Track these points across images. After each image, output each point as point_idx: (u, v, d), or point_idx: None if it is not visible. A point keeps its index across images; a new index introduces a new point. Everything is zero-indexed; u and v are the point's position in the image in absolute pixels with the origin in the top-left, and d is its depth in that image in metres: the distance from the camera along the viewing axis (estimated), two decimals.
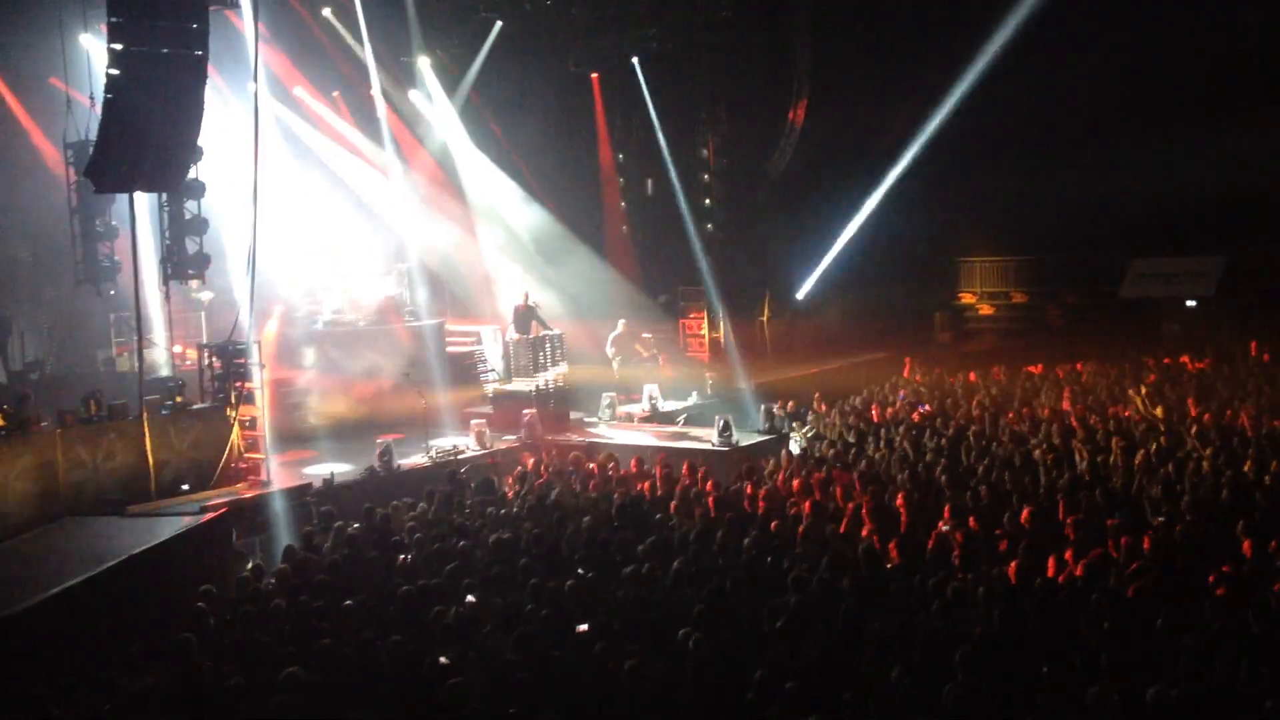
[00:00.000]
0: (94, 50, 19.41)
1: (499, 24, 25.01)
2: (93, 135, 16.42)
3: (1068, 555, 10.47)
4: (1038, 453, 14.67)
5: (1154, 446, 14.20)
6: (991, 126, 26.61)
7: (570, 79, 27.10)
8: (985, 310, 31.13)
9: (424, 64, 25.13)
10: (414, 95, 25.62)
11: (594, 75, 27.31)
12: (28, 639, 10.11)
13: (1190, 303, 27.65)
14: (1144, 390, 17.89)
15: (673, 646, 8.80)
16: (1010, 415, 17.41)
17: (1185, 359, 21.72)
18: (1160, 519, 11.51)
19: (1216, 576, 9.38)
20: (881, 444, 16.13)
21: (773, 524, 12.25)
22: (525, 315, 21.95)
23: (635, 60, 26.83)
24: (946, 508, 12.37)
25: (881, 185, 28.14)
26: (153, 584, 11.84)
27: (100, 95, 15.67)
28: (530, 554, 11.62)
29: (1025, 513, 11.73)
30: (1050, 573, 10.22)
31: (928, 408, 18.75)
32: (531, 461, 17.04)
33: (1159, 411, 16.73)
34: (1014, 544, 10.88)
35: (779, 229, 28.58)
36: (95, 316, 21.93)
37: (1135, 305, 28.35)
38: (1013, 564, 10.22)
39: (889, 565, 10.84)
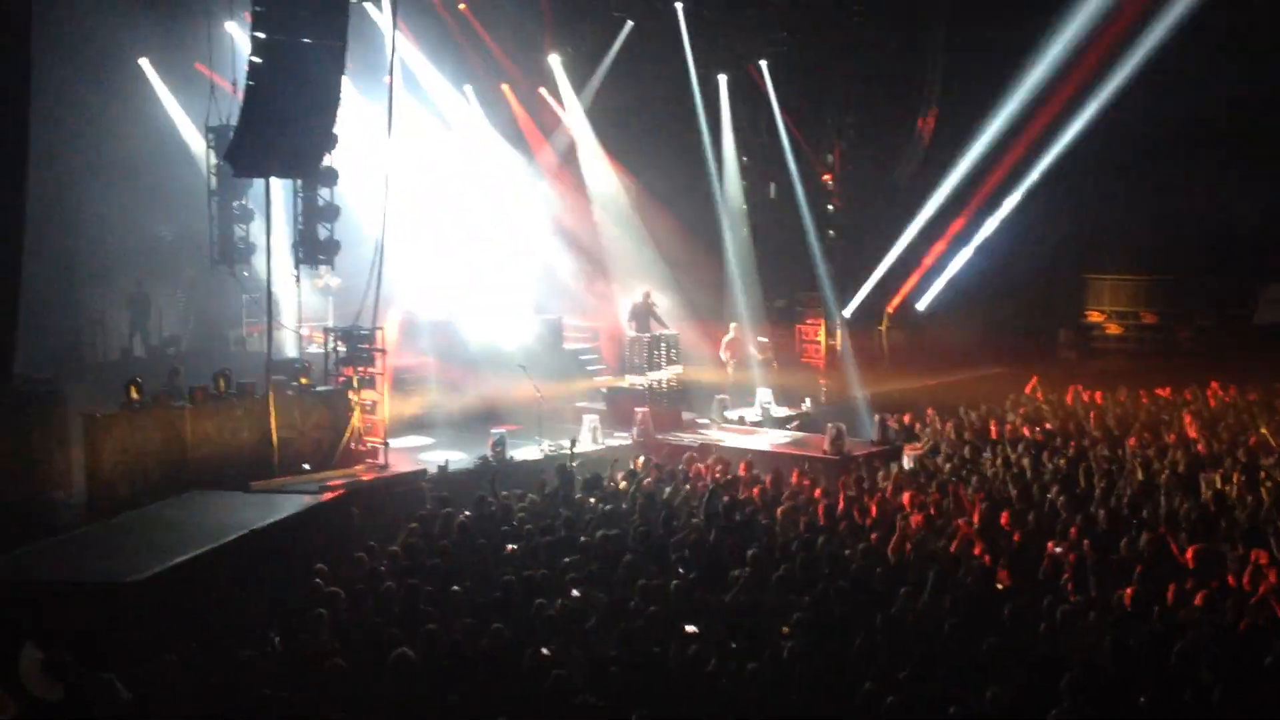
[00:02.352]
0: (238, 38, 20.03)
1: (630, 23, 25.15)
2: (234, 120, 16.90)
3: (1187, 585, 10.18)
4: (1161, 478, 14.29)
5: None
6: (1125, 143, 25.97)
7: (698, 80, 27.11)
8: (1113, 329, 30.36)
9: (554, 61, 25.37)
10: (543, 92, 25.88)
11: (721, 77, 27.29)
12: (149, 606, 10.47)
13: None
14: (1275, 420, 17.30)
15: (773, 652, 8.80)
16: (1133, 439, 16.97)
17: None
18: None
19: None
20: (998, 461, 15.87)
21: (883, 535, 12.15)
22: (643, 313, 22.03)
23: (764, 63, 26.77)
24: (1066, 529, 12.12)
25: (1010, 198, 27.66)
26: (272, 559, 12.16)
27: (242, 81, 16.13)
28: (636, 551, 11.70)
29: (1144, 539, 11.44)
30: (1168, 602, 9.95)
31: (1049, 426, 18.38)
32: (641, 460, 17.10)
33: None
34: (1130, 571, 10.62)
35: (902, 238, 28.28)
36: (228, 296, 22.61)
37: (1269, 331, 27.42)
38: (1129, 591, 9.98)
39: (999, 585, 10.67)
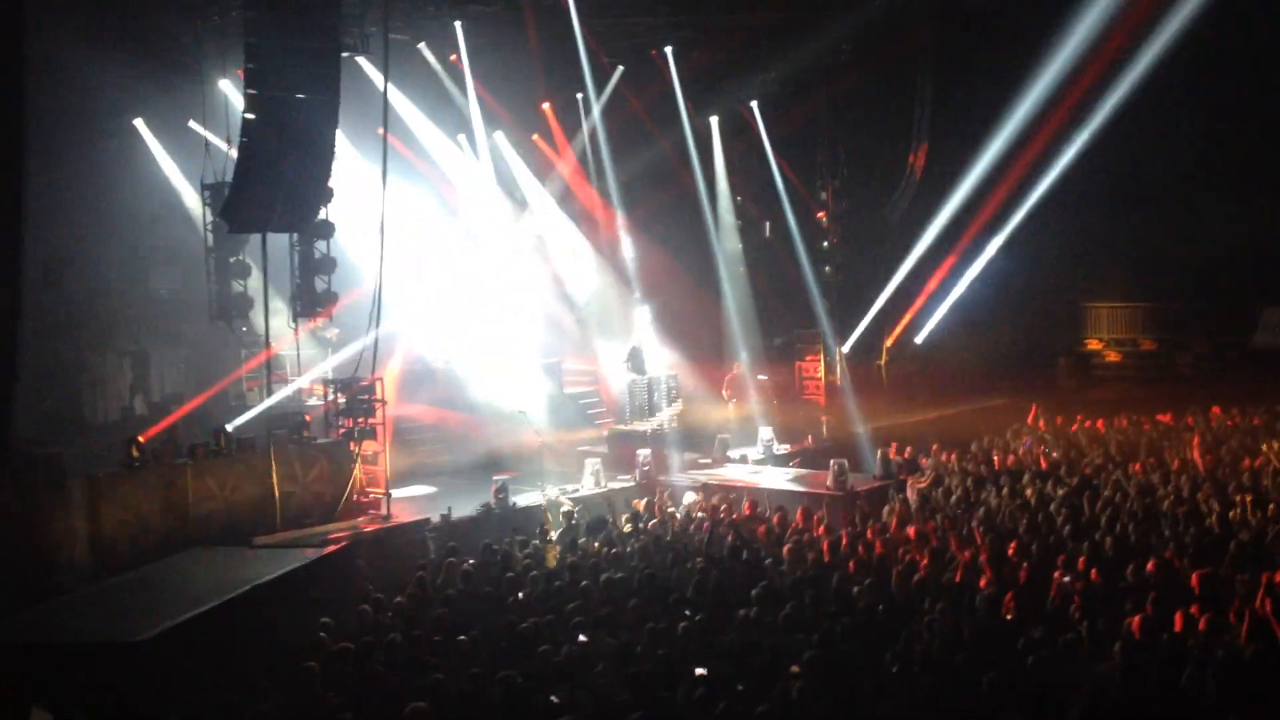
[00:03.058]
0: (232, 95, 20.17)
1: (621, 68, 25.35)
2: (229, 177, 17.00)
3: (1194, 611, 10.13)
4: (1165, 504, 14.25)
5: None
6: (1119, 171, 26.10)
7: (690, 122, 27.31)
8: (1112, 357, 30.39)
9: (546, 108, 25.53)
10: (537, 139, 26.04)
11: (713, 118, 27.47)
12: (157, 664, 10.42)
13: None
14: (1276, 443, 17.26)
15: (782, 692, 8.74)
16: (1137, 466, 16.94)
17: None
18: None
19: None
20: (1003, 492, 15.82)
21: (889, 570, 12.10)
22: (638, 356, 22.07)
23: (754, 103, 26.96)
24: (1073, 558, 12.07)
25: (1005, 228, 27.75)
26: (276, 613, 12.13)
27: (236, 138, 16.23)
28: (642, 595, 11.65)
29: (1151, 565, 11.40)
30: (1176, 628, 9.89)
31: (1054, 454, 18.34)
32: (644, 501, 17.07)
33: None
34: (1138, 597, 10.57)
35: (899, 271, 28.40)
36: (227, 352, 22.62)
37: (1266, 355, 27.43)
38: (1136, 618, 9.93)
39: (1007, 615, 10.62)
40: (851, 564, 12.56)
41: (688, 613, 11.06)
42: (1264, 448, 16.78)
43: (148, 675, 10.24)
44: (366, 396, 17.48)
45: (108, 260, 22.21)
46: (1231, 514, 13.60)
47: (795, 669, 9.13)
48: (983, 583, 11.61)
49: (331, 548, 14.45)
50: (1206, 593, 10.51)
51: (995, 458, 18.52)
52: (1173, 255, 27.43)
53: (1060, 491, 15.47)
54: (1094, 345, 30.65)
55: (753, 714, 8.33)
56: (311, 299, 17.97)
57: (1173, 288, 28.93)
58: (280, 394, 19.51)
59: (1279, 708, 8.03)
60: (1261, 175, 25.33)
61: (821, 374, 26.18)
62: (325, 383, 19.02)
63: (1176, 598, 10.50)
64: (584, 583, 12.12)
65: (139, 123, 22.73)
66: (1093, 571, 11.44)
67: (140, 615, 11.37)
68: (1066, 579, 11.39)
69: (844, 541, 13.46)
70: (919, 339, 28.67)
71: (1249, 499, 13.89)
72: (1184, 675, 8.53)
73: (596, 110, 25.61)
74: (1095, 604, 10.60)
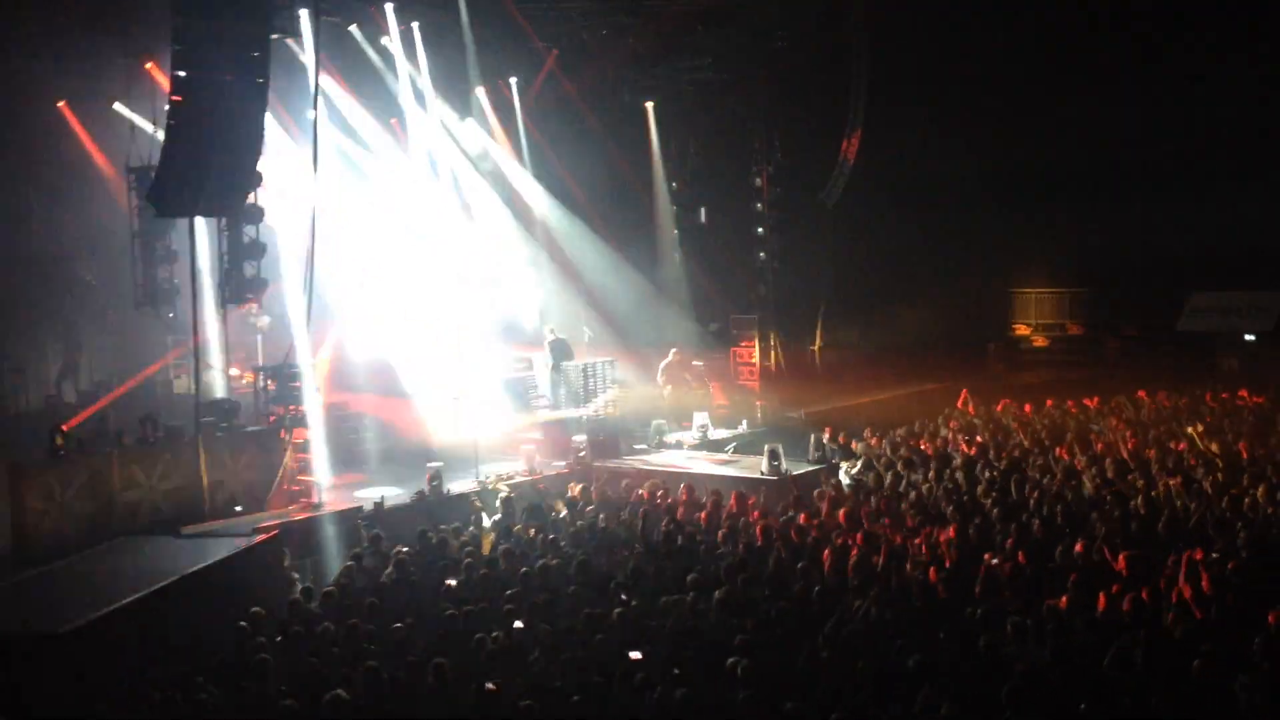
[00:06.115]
0: (158, 77, 19.80)
1: (555, 53, 25.22)
2: (155, 160, 16.70)
3: (1116, 590, 10.30)
4: (1091, 486, 14.48)
5: (1209, 481, 13.96)
6: (1049, 159, 26.44)
7: (625, 108, 27.26)
8: (1040, 342, 30.84)
9: (480, 93, 25.33)
10: (470, 124, 25.84)
11: (648, 104, 27.45)
12: (83, 656, 10.24)
13: (1249, 337, 27.29)
14: (1200, 426, 17.61)
15: (718, 675, 8.78)
16: (1063, 449, 17.19)
17: (1243, 392, 21.35)
18: (1214, 555, 11.30)
19: (1276, 616, 9.15)
20: (932, 475, 15.98)
21: (822, 554, 12.18)
22: (556, 346, 22.02)
23: (690, 88, 26.95)
24: (1002, 540, 12.22)
25: (936, 216, 28.04)
26: (205, 604, 11.95)
27: (163, 121, 15.95)
28: (578, 581, 11.65)
29: (1078, 547, 11.58)
30: (1102, 608, 10.05)
31: (980, 439, 18.56)
32: (580, 488, 17.04)
33: (1215, 446, 16.45)
34: (1065, 579, 10.74)
35: (832, 258, 28.58)
36: (154, 338, 22.25)
37: (1192, 339, 28.01)
38: (1064, 599, 10.09)
39: (938, 598, 10.74)
40: (782, 545, 12.63)
41: (624, 598, 11.09)
42: (1190, 431, 17.10)
43: (71, 668, 10.05)
44: (297, 383, 17.29)
45: (31, 246, 21.74)
46: (1154, 493, 13.85)
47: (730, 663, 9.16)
48: (913, 565, 11.74)
49: (262, 537, 14.23)
50: (1133, 574, 10.69)
51: (924, 442, 18.72)
52: (1100, 242, 27.83)
53: (989, 475, 15.65)
54: (1022, 330, 31.08)
55: (685, 698, 8.36)
56: (240, 285, 17.71)
57: (1100, 274, 29.38)
58: (209, 381, 19.23)
59: (1204, 685, 8.17)
60: (1186, 162, 25.78)
61: (756, 359, 26.28)
62: (255, 370, 18.78)
63: (1103, 579, 10.68)
64: (523, 570, 12.10)
65: (63, 105, 22.24)
66: (1020, 554, 11.60)
67: (66, 606, 11.15)
68: (995, 561, 11.54)
69: (777, 526, 13.53)
70: (853, 325, 28.88)
71: (1173, 481, 14.15)
72: (1111, 654, 8.68)
73: (531, 95, 25.46)
74: (1024, 586, 10.75)
